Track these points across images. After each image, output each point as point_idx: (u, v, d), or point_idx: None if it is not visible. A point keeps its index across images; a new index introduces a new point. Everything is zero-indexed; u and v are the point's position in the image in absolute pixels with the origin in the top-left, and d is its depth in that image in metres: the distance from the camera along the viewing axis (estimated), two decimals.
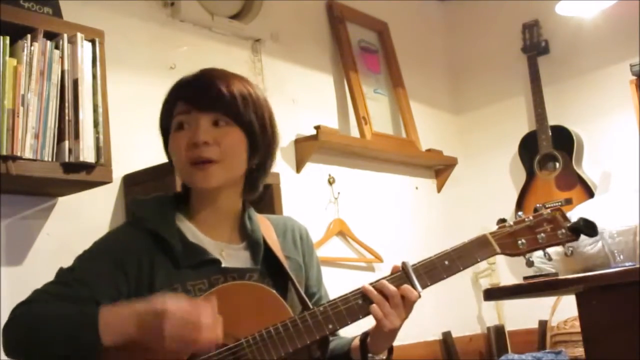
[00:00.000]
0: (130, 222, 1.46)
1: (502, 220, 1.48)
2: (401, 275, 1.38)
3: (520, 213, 1.49)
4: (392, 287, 1.35)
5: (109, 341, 1.21)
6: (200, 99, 1.40)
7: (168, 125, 1.45)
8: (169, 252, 1.38)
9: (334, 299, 1.36)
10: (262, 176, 1.50)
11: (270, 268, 1.45)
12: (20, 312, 1.31)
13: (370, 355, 1.40)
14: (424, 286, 1.38)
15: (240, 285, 1.38)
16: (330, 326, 1.32)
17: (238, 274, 1.40)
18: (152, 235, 1.39)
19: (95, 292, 1.32)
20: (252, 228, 1.48)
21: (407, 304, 1.36)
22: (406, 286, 1.36)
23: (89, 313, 1.24)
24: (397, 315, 1.35)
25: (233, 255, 1.44)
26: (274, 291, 1.36)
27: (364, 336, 1.40)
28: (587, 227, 1.46)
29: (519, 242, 1.45)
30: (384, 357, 1.41)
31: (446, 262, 1.41)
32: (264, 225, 1.51)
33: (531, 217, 1.47)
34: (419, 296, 1.36)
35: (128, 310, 1.24)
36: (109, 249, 1.39)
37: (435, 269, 1.40)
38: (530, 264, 1.45)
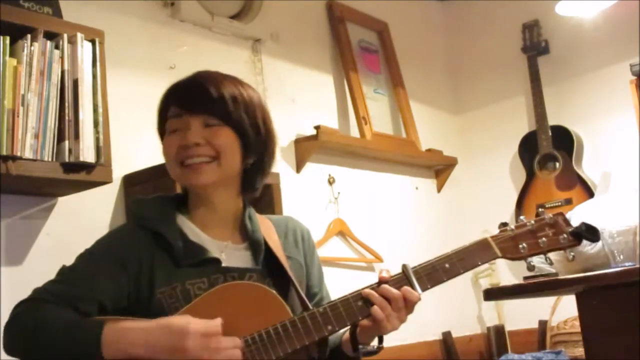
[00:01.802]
0: (131, 221, 1.47)
1: (504, 224, 1.48)
2: (401, 277, 1.39)
3: (522, 217, 1.48)
4: (394, 290, 1.35)
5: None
6: (190, 102, 1.42)
7: (162, 130, 1.48)
8: (169, 250, 1.38)
9: (334, 300, 1.37)
10: (259, 176, 1.50)
11: (271, 268, 1.45)
12: (23, 310, 1.31)
13: (361, 346, 1.39)
14: (424, 288, 1.38)
15: (240, 285, 1.38)
16: (329, 327, 1.33)
17: (238, 273, 1.41)
18: (153, 234, 1.40)
19: (96, 291, 1.33)
20: (253, 228, 1.48)
21: (407, 306, 1.37)
22: (406, 288, 1.36)
23: (91, 330, 1.24)
24: (398, 317, 1.35)
25: (234, 255, 1.45)
26: (274, 291, 1.36)
27: (353, 329, 1.40)
28: (589, 232, 1.45)
29: (520, 246, 1.45)
30: (376, 345, 1.40)
31: (447, 265, 1.41)
32: (265, 226, 1.52)
33: (533, 221, 1.47)
34: (419, 298, 1.37)
35: (134, 329, 1.24)
36: (110, 249, 1.40)
37: (436, 272, 1.40)
38: (531, 268, 1.45)
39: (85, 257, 1.40)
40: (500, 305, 3.67)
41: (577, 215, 2.26)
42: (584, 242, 2.07)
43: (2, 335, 1.31)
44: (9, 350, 1.30)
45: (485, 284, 3.66)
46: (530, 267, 1.45)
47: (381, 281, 1.38)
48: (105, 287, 1.34)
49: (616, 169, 3.46)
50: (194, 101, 1.42)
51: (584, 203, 2.47)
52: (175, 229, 1.41)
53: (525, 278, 2.08)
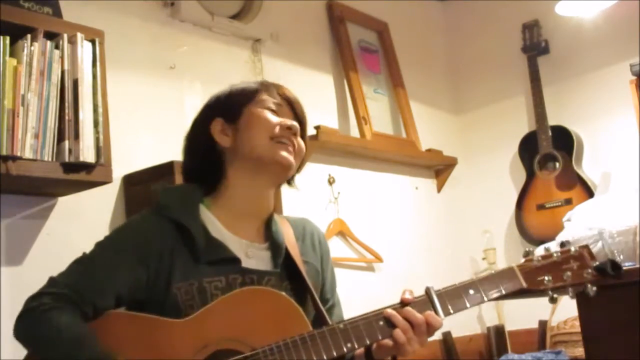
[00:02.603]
0: (154, 209, 1.43)
1: (528, 253, 1.46)
2: (425, 300, 1.37)
3: (547, 245, 1.46)
4: (419, 316, 1.33)
5: None
6: (295, 103, 1.53)
7: (246, 99, 1.49)
8: (190, 245, 1.37)
9: (355, 318, 1.34)
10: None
11: (288, 272, 1.44)
12: (36, 307, 1.28)
13: None
14: (446, 314, 1.37)
15: (261, 291, 1.36)
16: (349, 345, 1.31)
17: (257, 275, 1.40)
18: (176, 224, 1.38)
19: (115, 284, 1.32)
20: (276, 229, 1.47)
21: (429, 331, 1.35)
22: (430, 313, 1.35)
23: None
24: (419, 341, 1.34)
25: (254, 255, 1.43)
26: (293, 301, 1.35)
27: (369, 345, 1.38)
28: (614, 269, 1.43)
29: (546, 278, 1.43)
30: None
31: (471, 291, 1.40)
32: (284, 227, 1.51)
33: (559, 253, 1.45)
34: (442, 324, 1.36)
35: None
36: (131, 239, 1.38)
37: (459, 298, 1.39)
38: (553, 300, 1.43)
39: (105, 247, 1.38)
40: (500, 305, 3.67)
41: (577, 215, 2.27)
42: (583, 242, 2.07)
43: (14, 324, 1.30)
44: (19, 340, 1.30)
45: None
46: (553, 300, 1.43)
47: (404, 302, 1.36)
48: (124, 279, 1.33)
49: (616, 169, 3.46)
50: (297, 105, 1.54)
51: (584, 203, 2.47)
52: (199, 223, 1.40)
53: None
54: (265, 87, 1.51)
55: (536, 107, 3.59)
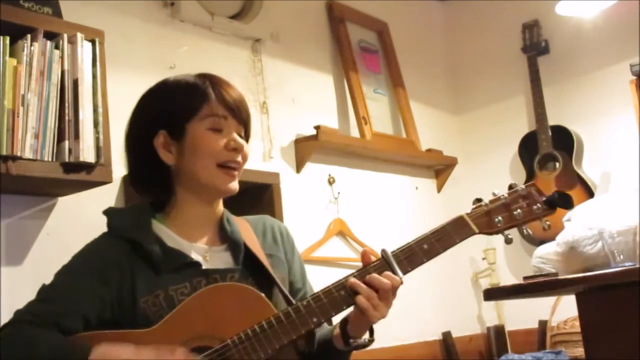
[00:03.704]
0: (106, 232, 1.44)
1: (478, 200, 1.46)
2: (382, 263, 1.37)
3: (496, 191, 1.47)
4: (384, 280, 1.34)
5: None
6: (238, 109, 1.45)
7: (189, 114, 1.42)
8: (147, 258, 1.38)
9: (317, 292, 1.36)
10: None
11: (252, 268, 1.45)
12: (6, 336, 1.29)
13: (352, 339, 1.38)
14: (405, 272, 1.37)
15: (223, 286, 1.37)
16: (315, 319, 1.32)
17: (220, 274, 1.40)
18: (130, 243, 1.39)
19: (79, 306, 1.32)
20: (232, 230, 1.48)
21: (393, 292, 1.36)
22: (388, 273, 1.35)
23: (79, 354, 1.24)
24: (385, 305, 1.34)
25: (214, 257, 1.45)
26: (256, 290, 1.36)
27: (344, 324, 1.39)
28: (562, 200, 1.44)
29: (496, 219, 1.43)
30: (367, 338, 1.40)
31: (425, 246, 1.40)
32: (243, 227, 1.52)
33: (506, 194, 1.46)
34: (402, 282, 1.36)
35: (121, 351, 1.25)
36: (89, 262, 1.39)
37: (415, 254, 1.39)
38: (509, 241, 1.44)
39: (65, 273, 1.38)
40: (500, 305, 3.67)
41: (577, 215, 2.27)
42: (584, 242, 2.07)
43: None
44: None
45: (485, 284, 3.66)
46: (509, 240, 1.44)
47: (364, 264, 1.37)
48: (87, 301, 1.33)
49: (616, 169, 3.46)
50: (240, 109, 1.45)
51: (584, 203, 2.48)
52: (151, 235, 1.40)
53: (525, 278, 2.08)
54: (209, 95, 1.43)
55: (536, 107, 3.59)
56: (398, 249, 1.40)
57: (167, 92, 1.48)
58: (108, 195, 2.32)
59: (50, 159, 1.94)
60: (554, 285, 1.97)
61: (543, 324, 3.44)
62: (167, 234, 1.43)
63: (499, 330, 3.65)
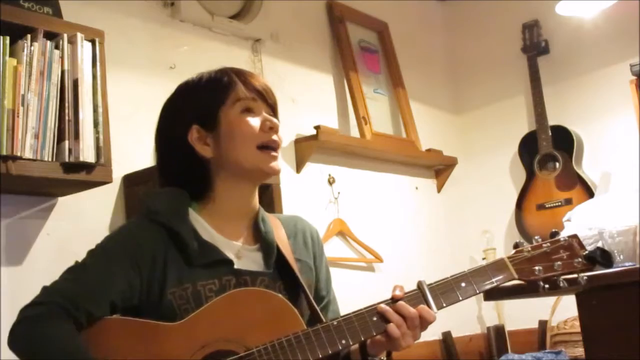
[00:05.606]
0: (143, 215, 1.42)
1: (518, 245, 1.46)
2: (417, 294, 1.37)
3: (537, 237, 1.47)
4: (412, 309, 1.33)
5: None
6: (266, 92, 1.46)
7: (219, 101, 1.43)
8: (182, 249, 1.36)
9: (348, 314, 1.34)
10: None
11: (281, 271, 1.44)
12: (28, 317, 1.27)
13: (369, 357, 1.38)
14: (439, 307, 1.36)
15: (255, 291, 1.36)
16: (344, 342, 1.31)
17: (250, 276, 1.39)
18: (166, 229, 1.37)
19: (109, 292, 1.30)
20: (266, 229, 1.46)
21: (423, 325, 1.35)
22: (424, 307, 1.34)
23: None
24: (412, 335, 1.34)
25: (246, 257, 1.43)
26: (287, 301, 1.34)
27: (364, 340, 1.38)
28: (603, 258, 1.45)
29: (536, 268, 1.43)
30: (384, 358, 1.40)
31: (463, 284, 1.39)
32: (275, 226, 1.50)
33: (548, 244, 1.46)
34: (435, 318, 1.35)
35: None
36: (123, 246, 1.37)
37: (452, 291, 1.38)
38: (544, 292, 1.43)
39: (98, 254, 1.37)
40: (500, 305, 3.67)
41: (577, 215, 2.27)
42: (584, 241, 2.07)
43: (8, 334, 1.29)
44: (12, 351, 1.28)
45: None
46: (543, 292, 1.43)
47: (394, 299, 1.36)
48: (117, 286, 1.31)
49: (616, 169, 3.46)
50: (269, 94, 1.47)
51: (584, 203, 2.47)
52: (189, 226, 1.39)
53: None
54: (235, 81, 1.44)
55: (536, 107, 3.59)
56: (435, 282, 1.38)
57: (192, 88, 1.47)
58: (108, 195, 2.33)
59: (50, 159, 1.94)
60: (553, 285, 1.97)
61: (543, 324, 3.44)
62: (202, 225, 1.41)
63: (499, 330, 3.65)
